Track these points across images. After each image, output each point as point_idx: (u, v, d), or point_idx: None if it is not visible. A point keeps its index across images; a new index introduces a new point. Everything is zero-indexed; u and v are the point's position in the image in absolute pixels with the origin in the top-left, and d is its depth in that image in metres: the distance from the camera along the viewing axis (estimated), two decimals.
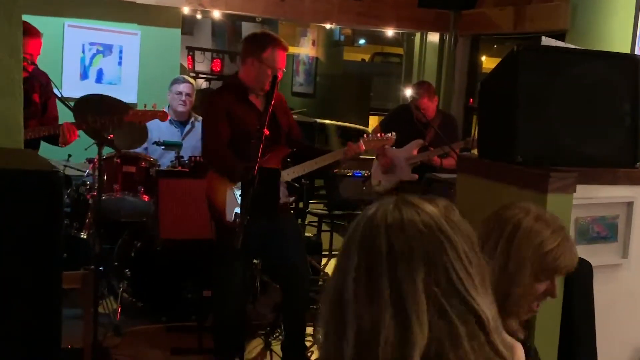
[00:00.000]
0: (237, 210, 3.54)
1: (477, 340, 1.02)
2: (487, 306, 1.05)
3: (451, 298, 1.02)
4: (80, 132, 4.05)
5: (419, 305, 1.01)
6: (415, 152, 5.18)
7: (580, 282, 2.43)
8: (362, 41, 11.87)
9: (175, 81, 5.23)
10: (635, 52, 4.46)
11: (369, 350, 1.01)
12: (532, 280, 1.93)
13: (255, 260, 4.43)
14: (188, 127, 5.22)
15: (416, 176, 5.04)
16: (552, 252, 1.91)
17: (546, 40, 3.08)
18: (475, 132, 4.34)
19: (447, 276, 1.03)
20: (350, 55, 11.54)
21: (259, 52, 3.78)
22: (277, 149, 3.79)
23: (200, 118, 5.20)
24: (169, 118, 4.80)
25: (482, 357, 1.02)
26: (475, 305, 1.03)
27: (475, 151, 4.36)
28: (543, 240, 1.92)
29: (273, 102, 3.53)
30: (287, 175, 3.84)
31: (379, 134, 4.17)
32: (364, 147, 3.97)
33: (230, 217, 3.64)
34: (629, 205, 2.77)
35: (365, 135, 4.06)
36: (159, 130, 4.97)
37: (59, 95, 3.86)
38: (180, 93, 5.16)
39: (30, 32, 3.89)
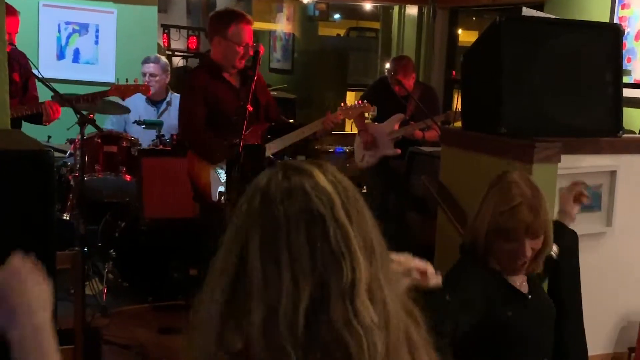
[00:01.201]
0: (221, 189, 3.53)
1: (341, 304, 1.01)
2: (364, 266, 1.04)
3: (326, 258, 1.03)
4: (61, 113, 4.01)
5: (304, 270, 1.02)
6: (396, 127, 5.17)
7: (566, 251, 2.47)
8: (336, 16, 11.80)
9: (142, 62, 5.13)
10: (615, 22, 4.48)
11: (276, 327, 1.01)
12: (492, 237, 2.04)
13: None
14: (164, 105, 5.15)
15: (399, 151, 5.05)
16: (506, 213, 2.01)
17: (527, 11, 3.09)
18: (456, 105, 4.35)
19: (326, 238, 1.03)
20: (325, 31, 11.44)
21: (223, 30, 3.73)
22: (256, 124, 3.79)
23: (177, 95, 5.16)
24: (151, 92, 4.77)
25: (342, 321, 1.01)
26: (345, 264, 1.02)
27: (456, 124, 4.39)
28: (503, 200, 2.03)
29: (255, 77, 3.52)
30: (269, 149, 3.83)
31: (356, 102, 4.17)
32: (341, 116, 3.98)
33: (214, 196, 3.63)
34: (612, 174, 2.81)
35: (342, 104, 4.07)
36: (136, 110, 4.92)
37: (39, 76, 3.80)
38: (144, 74, 5.06)
39: (7, 10, 3.82)
